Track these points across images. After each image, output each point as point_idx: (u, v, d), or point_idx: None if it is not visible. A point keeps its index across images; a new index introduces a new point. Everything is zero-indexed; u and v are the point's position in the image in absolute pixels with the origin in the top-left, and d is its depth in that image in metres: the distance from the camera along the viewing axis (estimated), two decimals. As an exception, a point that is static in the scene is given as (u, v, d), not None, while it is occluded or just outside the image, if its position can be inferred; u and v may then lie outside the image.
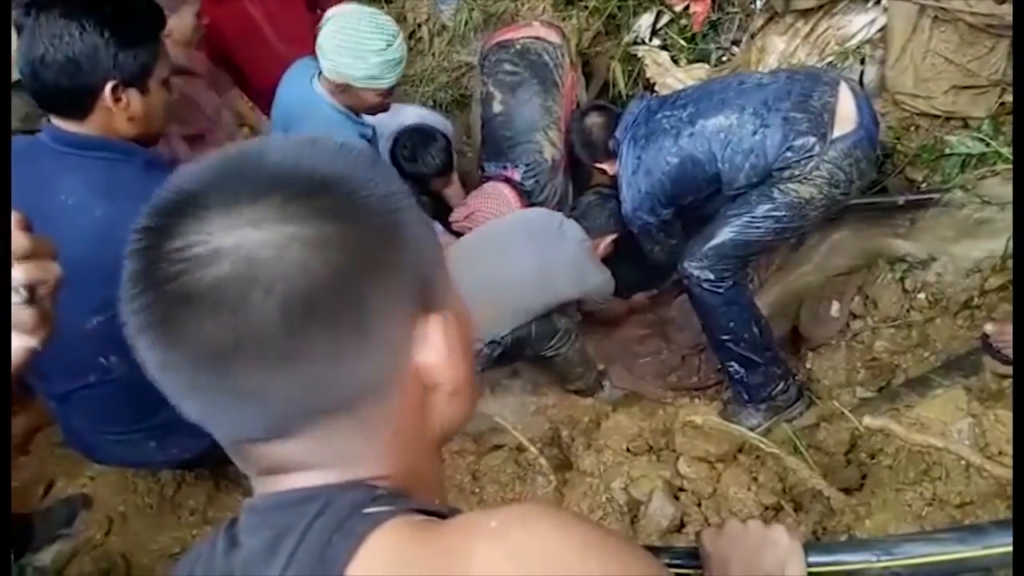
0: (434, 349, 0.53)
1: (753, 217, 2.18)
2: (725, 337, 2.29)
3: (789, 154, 2.12)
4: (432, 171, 2.80)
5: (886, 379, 2.26)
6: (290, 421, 0.50)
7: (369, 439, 0.52)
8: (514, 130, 2.74)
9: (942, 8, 2.48)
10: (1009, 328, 1.95)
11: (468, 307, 0.60)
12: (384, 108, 2.15)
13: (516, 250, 2.45)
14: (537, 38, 2.79)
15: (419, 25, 3.61)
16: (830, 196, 2.15)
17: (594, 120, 2.55)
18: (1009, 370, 1.94)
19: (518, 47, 2.79)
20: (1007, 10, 2.37)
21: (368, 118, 2.20)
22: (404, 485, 0.54)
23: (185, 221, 0.47)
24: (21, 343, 0.67)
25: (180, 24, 2.24)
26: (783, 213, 2.16)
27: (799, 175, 2.12)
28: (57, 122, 1.38)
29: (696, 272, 2.24)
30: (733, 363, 2.32)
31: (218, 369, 0.47)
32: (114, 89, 1.33)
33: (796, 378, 2.36)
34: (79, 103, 1.34)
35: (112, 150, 1.38)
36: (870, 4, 2.63)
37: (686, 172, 2.25)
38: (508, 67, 2.77)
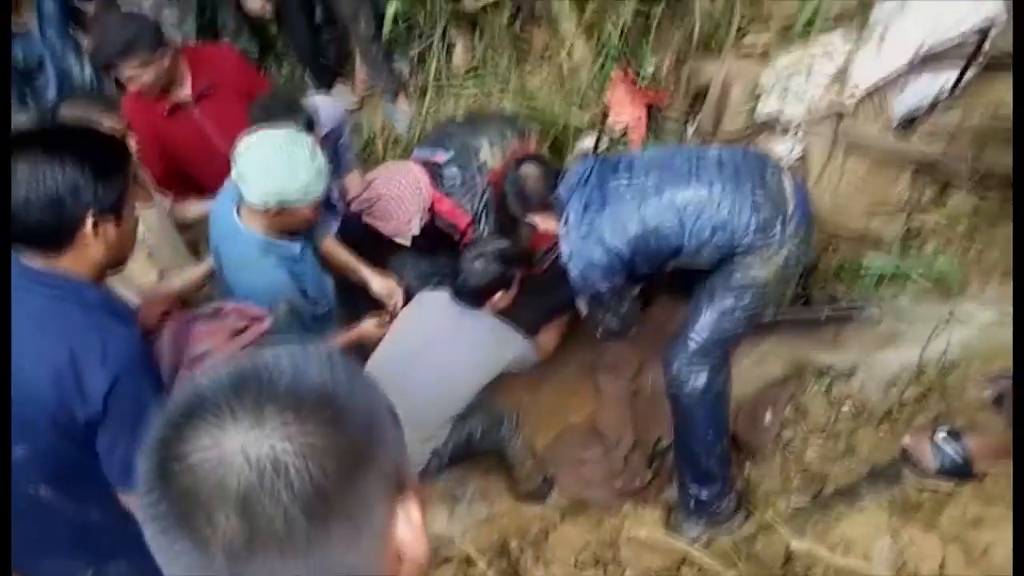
0: (410, 526, 0.61)
1: (723, 311, 2.22)
2: (698, 449, 2.31)
3: (752, 237, 2.15)
4: None
5: (818, 488, 2.37)
6: None
7: None
8: (462, 129, 2.84)
9: (852, 140, 2.75)
10: (923, 441, 2.10)
11: (419, 483, 0.69)
12: (315, 219, 2.17)
13: (425, 351, 2.44)
14: None
15: (373, 137, 3.79)
16: (783, 276, 2.24)
17: (530, 170, 2.43)
18: (928, 483, 2.08)
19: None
20: (907, 146, 2.64)
21: None
22: None
23: (207, 428, 0.54)
24: None
25: None
26: (747, 301, 2.21)
27: (758, 260, 2.18)
28: (26, 259, 1.41)
29: (687, 378, 2.25)
30: (691, 477, 2.35)
31: (241, 562, 0.52)
32: (94, 221, 1.38)
33: (736, 490, 2.45)
34: (61, 238, 1.38)
35: (61, 287, 1.41)
36: (788, 134, 2.88)
37: (648, 242, 2.21)
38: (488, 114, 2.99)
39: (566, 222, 2.29)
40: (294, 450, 0.54)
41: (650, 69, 3.06)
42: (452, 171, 2.79)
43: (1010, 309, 2.35)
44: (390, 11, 3.43)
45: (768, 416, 2.62)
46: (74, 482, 1.47)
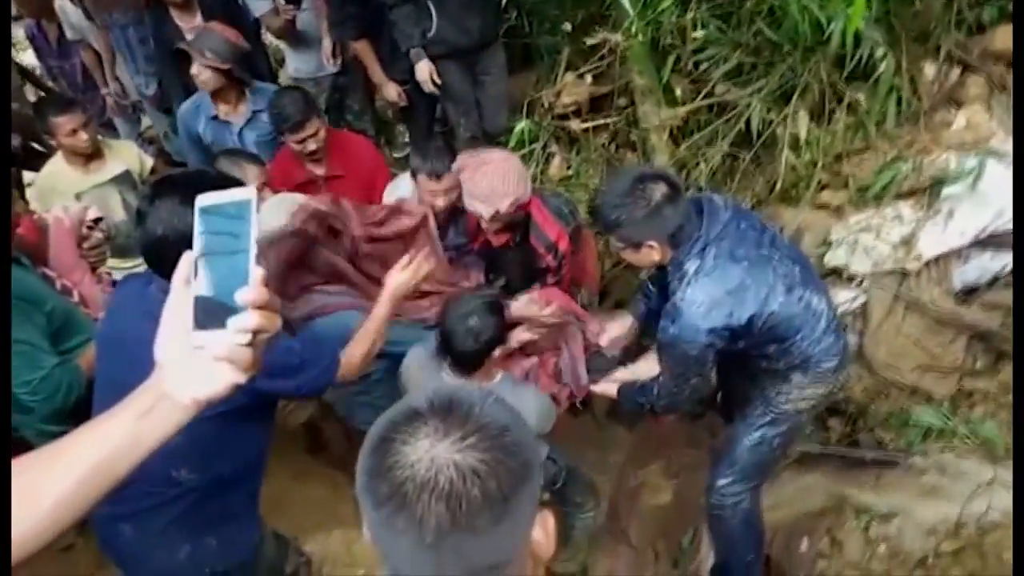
0: (545, 531, 0.84)
1: (761, 439, 2.32)
2: (738, 570, 2.46)
3: (823, 343, 2.16)
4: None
5: (847, 621, 2.44)
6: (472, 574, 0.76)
7: None
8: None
9: (913, 299, 2.95)
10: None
11: None
12: None
13: None
14: None
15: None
16: (814, 410, 2.36)
17: (662, 191, 1.98)
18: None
19: None
20: (965, 313, 2.84)
21: None
22: None
23: (425, 437, 0.77)
24: (232, 377, 0.78)
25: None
26: (783, 429, 2.31)
27: (798, 390, 2.22)
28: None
29: (731, 503, 2.38)
30: None
31: (443, 536, 0.74)
32: None
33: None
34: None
35: None
36: (853, 284, 3.10)
37: (775, 323, 2.07)
38: None
39: (703, 263, 2.01)
40: (485, 462, 0.77)
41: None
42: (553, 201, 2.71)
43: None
44: (518, 128, 3.86)
45: (804, 544, 2.70)
46: (212, 461, 1.69)
